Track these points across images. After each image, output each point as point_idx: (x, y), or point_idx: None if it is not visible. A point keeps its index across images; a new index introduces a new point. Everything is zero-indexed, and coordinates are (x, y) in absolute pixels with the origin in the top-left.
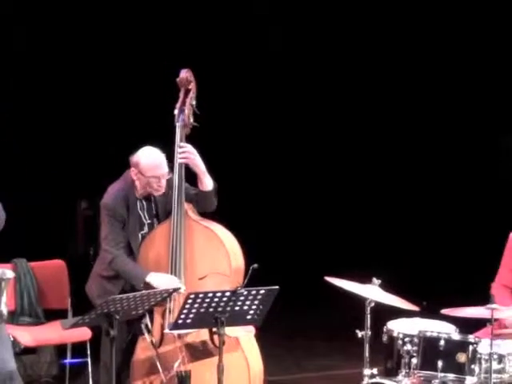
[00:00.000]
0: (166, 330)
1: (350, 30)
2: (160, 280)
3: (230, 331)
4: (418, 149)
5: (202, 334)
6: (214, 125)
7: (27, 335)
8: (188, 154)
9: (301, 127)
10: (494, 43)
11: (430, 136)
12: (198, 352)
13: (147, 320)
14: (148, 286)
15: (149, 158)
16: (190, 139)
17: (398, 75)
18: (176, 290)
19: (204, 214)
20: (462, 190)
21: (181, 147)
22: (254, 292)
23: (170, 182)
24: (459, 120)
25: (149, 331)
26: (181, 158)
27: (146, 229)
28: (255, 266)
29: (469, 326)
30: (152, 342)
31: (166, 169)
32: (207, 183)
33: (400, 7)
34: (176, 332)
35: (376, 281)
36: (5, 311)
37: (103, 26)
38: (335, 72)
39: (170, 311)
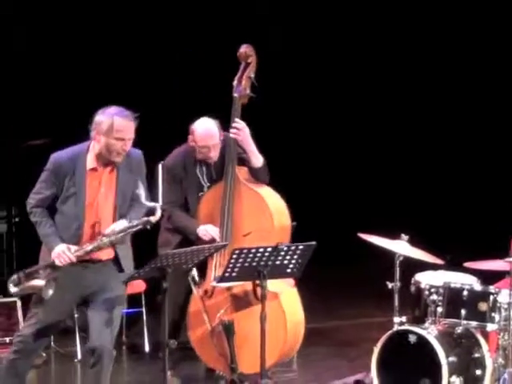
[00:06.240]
0: (212, 283)
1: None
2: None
3: (270, 286)
4: (444, 108)
5: (247, 286)
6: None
7: None
8: (238, 131)
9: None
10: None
11: (453, 95)
12: (241, 302)
13: (194, 273)
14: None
15: (201, 128)
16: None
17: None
18: (222, 246)
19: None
20: (487, 144)
21: (235, 122)
22: (293, 247)
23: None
24: (484, 81)
25: (195, 284)
26: (232, 133)
27: (205, 190)
28: (294, 223)
29: (490, 277)
30: (199, 293)
31: (216, 140)
32: (254, 161)
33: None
34: (222, 285)
35: (404, 237)
36: None
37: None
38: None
39: (219, 265)
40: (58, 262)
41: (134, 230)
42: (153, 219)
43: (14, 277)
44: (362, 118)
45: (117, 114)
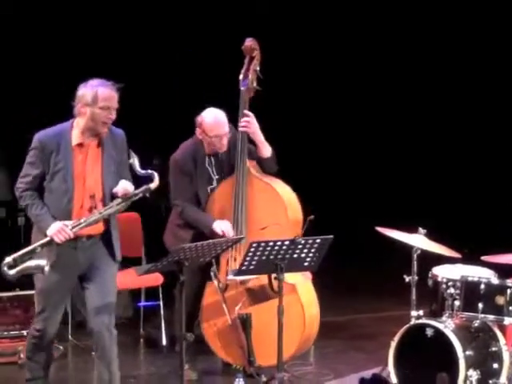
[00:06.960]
0: (230, 276)
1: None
2: (222, 225)
3: (288, 278)
4: (464, 101)
5: (262, 280)
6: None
7: None
8: (247, 123)
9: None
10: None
11: (471, 87)
12: (257, 296)
13: (215, 267)
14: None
15: (211, 118)
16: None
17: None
18: (239, 240)
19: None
20: (506, 137)
21: (244, 115)
22: (310, 241)
23: (233, 141)
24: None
25: (216, 277)
26: (241, 127)
27: (214, 183)
28: (311, 217)
29: (507, 271)
30: (219, 286)
31: (226, 128)
32: (264, 152)
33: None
34: (239, 278)
35: (422, 230)
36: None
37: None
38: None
39: (234, 259)
40: (57, 240)
41: (135, 198)
42: (152, 186)
43: (9, 259)
44: (380, 112)
45: (100, 84)
